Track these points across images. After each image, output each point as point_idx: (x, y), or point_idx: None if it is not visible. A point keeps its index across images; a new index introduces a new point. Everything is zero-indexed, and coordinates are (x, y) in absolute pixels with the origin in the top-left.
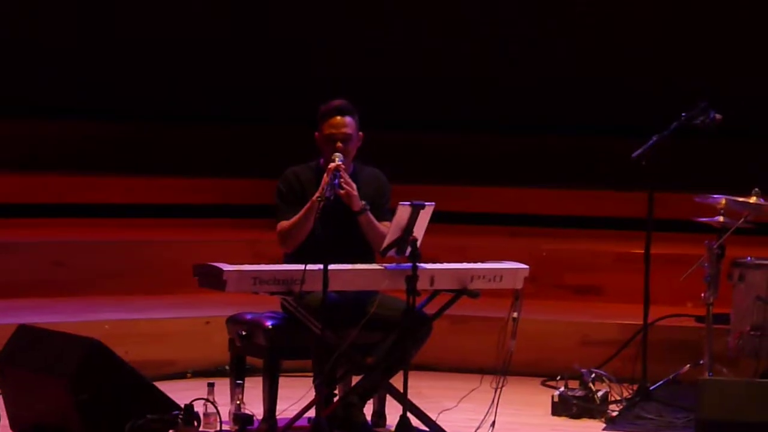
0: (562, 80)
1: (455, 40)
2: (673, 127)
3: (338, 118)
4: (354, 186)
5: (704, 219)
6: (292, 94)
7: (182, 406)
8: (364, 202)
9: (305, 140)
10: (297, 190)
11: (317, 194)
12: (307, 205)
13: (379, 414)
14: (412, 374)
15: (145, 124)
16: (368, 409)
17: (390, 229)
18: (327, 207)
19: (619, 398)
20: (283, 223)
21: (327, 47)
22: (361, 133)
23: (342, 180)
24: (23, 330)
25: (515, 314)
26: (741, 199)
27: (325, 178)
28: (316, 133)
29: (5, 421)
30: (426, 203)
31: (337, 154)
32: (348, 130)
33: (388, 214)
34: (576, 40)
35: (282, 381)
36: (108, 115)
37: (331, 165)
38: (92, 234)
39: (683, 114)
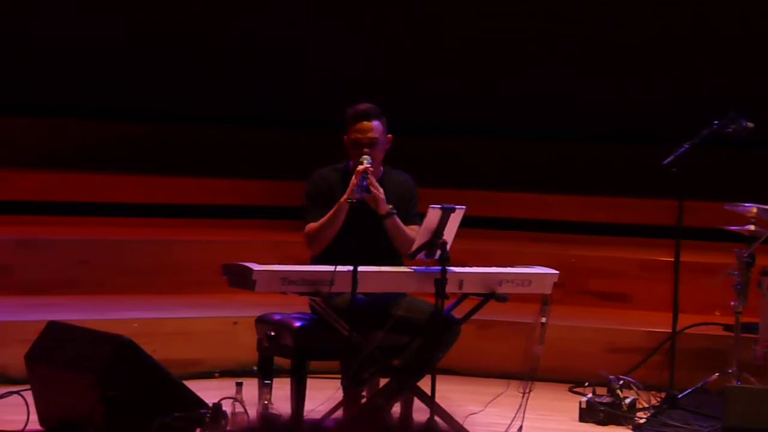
0: (591, 88)
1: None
2: (705, 134)
3: (365, 122)
4: (381, 190)
5: (734, 227)
6: (319, 95)
7: (210, 405)
8: (390, 206)
9: (333, 142)
10: (325, 192)
11: (345, 196)
12: (335, 207)
13: (406, 417)
14: (438, 378)
15: (171, 124)
16: (395, 412)
17: (420, 232)
18: (355, 209)
19: (646, 406)
20: (311, 225)
21: (362, 50)
22: (389, 135)
23: (369, 183)
24: (53, 327)
25: (544, 319)
26: None
27: (354, 180)
28: (344, 137)
29: (34, 416)
30: (456, 207)
31: (366, 156)
32: (374, 135)
33: (415, 218)
34: (602, 49)
35: (309, 382)
36: (135, 115)
37: (360, 167)
38: (119, 233)
39: (715, 122)
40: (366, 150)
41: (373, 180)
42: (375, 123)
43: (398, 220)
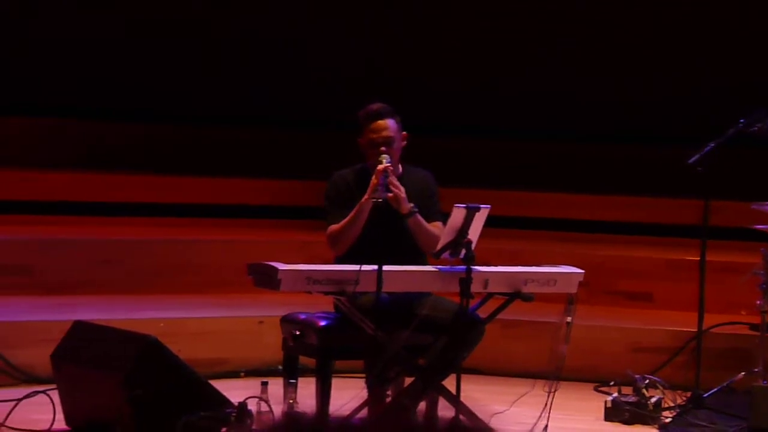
0: (617, 89)
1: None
2: (730, 133)
3: (379, 122)
4: (402, 189)
5: (760, 227)
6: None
7: (235, 404)
8: (412, 205)
9: (351, 142)
10: (345, 194)
11: (366, 196)
12: (356, 207)
13: (431, 416)
14: (463, 377)
15: (197, 124)
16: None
17: (444, 231)
18: (377, 209)
19: (672, 405)
20: (333, 227)
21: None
22: (405, 132)
23: (390, 183)
24: (79, 326)
25: (569, 319)
26: None
27: (374, 180)
28: (359, 140)
29: (61, 416)
30: (481, 206)
31: (384, 156)
32: (390, 133)
33: (437, 215)
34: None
35: (334, 381)
36: (161, 116)
37: (380, 167)
38: (144, 233)
39: (741, 120)
40: (383, 149)
41: (394, 179)
42: (389, 121)
43: (420, 218)
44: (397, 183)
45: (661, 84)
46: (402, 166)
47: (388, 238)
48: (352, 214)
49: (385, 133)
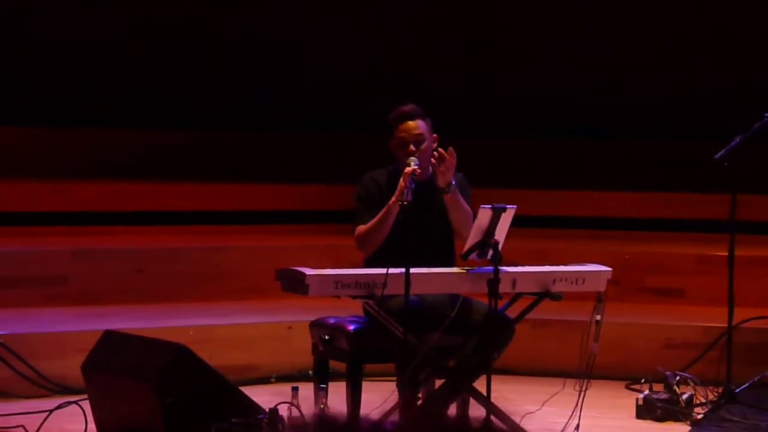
0: (644, 86)
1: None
2: (756, 127)
3: (409, 122)
4: (455, 157)
5: None
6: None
7: (266, 410)
8: (452, 181)
9: (380, 145)
10: (375, 195)
11: (393, 199)
12: (384, 209)
13: (462, 417)
14: (493, 378)
15: (222, 131)
16: (451, 413)
17: (471, 233)
18: (405, 211)
19: (704, 401)
20: (361, 227)
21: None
22: (435, 134)
23: (438, 151)
24: (109, 336)
25: (598, 317)
26: None
27: (402, 183)
28: (391, 142)
29: (92, 426)
30: (507, 206)
31: (413, 158)
32: (419, 131)
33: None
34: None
35: (365, 385)
36: (186, 123)
37: (408, 169)
38: (172, 241)
39: (766, 114)
40: (412, 148)
41: (441, 151)
42: (419, 122)
43: (458, 194)
44: (452, 151)
45: (686, 82)
46: (432, 168)
47: (418, 240)
48: (380, 215)
49: (415, 132)
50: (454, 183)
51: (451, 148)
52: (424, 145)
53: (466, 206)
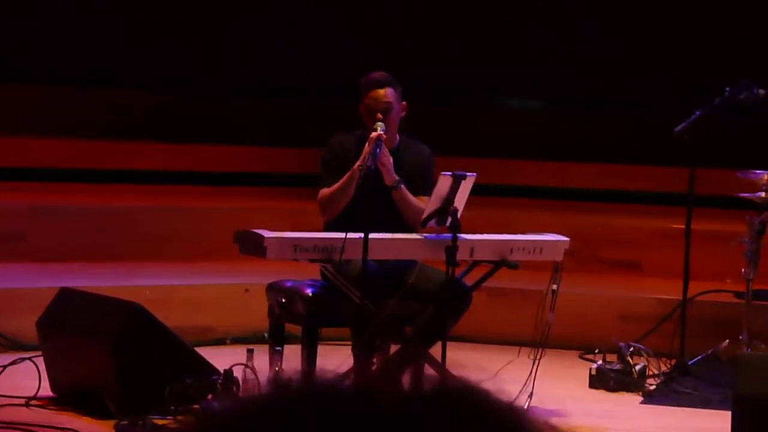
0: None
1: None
2: (716, 102)
3: (378, 90)
4: (390, 159)
5: (746, 195)
6: (330, 66)
7: (221, 371)
8: (398, 178)
9: (348, 112)
10: (341, 158)
11: (358, 163)
12: (348, 173)
13: (416, 384)
14: (449, 345)
15: (187, 94)
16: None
17: (430, 199)
18: (368, 177)
19: (656, 373)
20: (324, 190)
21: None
22: (404, 102)
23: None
24: (65, 293)
25: (554, 286)
26: None
27: (367, 147)
28: (360, 107)
29: (46, 383)
30: (467, 174)
31: (379, 123)
32: (387, 99)
33: (428, 190)
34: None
35: (320, 349)
36: (151, 84)
37: (373, 134)
38: (132, 200)
39: (726, 89)
40: (379, 116)
41: (385, 150)
42: (388, 90)
43: (405, 191)
44: (386, 152)
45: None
46: (400, 138)
47: (379, 205)
48: (343, 180)
49: (383, 100)
50: (398, 179)
51: (385, 149)
52: (392, 114)
53: (415, 203)
